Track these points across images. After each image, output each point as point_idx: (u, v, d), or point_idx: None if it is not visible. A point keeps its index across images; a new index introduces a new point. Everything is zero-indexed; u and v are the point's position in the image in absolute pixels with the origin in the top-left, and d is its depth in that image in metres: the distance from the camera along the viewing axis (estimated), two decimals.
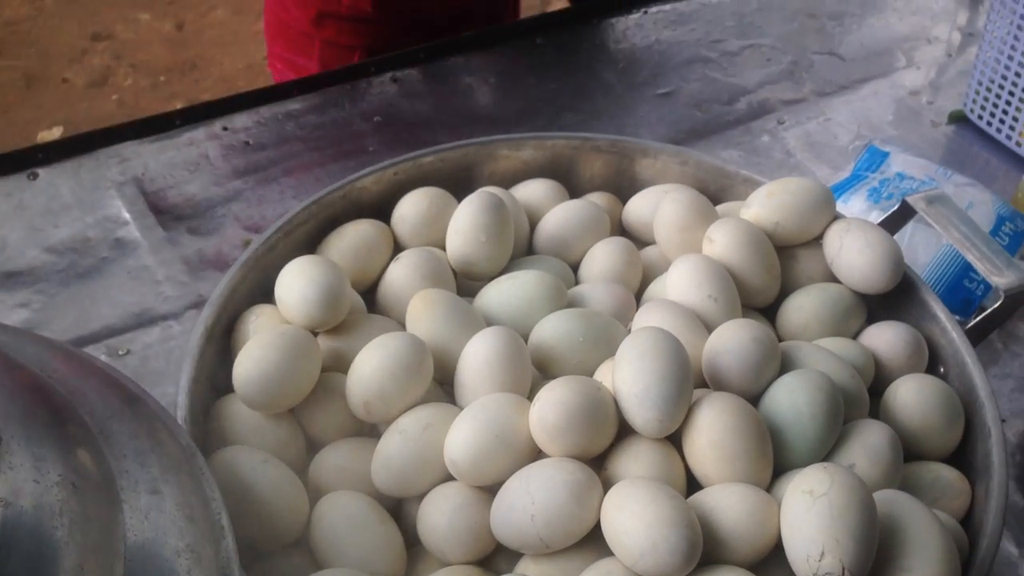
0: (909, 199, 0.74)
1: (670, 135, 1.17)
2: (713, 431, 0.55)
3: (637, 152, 0.82)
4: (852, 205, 1.00)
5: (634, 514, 0.51)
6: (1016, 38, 1.09)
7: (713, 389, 0.60)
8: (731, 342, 0.60)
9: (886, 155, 1.06)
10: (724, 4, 1.39)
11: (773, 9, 1.39)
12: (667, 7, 1.37)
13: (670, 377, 0.56)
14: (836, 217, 0.73)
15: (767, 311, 0.72)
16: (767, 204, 0.72)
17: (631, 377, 0.56)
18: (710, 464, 0.56)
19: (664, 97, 1.23)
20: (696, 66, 1.28)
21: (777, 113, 1.22)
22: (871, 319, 0.72)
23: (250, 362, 0.58)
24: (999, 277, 0.69)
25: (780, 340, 0.68)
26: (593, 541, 0.54)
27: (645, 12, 1.36)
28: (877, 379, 0.67)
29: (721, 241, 0.70)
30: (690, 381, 0.57)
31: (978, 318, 0.69)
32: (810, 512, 0.50)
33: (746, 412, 0.56)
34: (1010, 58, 1.11)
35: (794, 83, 1.27)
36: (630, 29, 1.34)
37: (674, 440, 0.58)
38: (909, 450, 0.63)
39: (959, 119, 1.21)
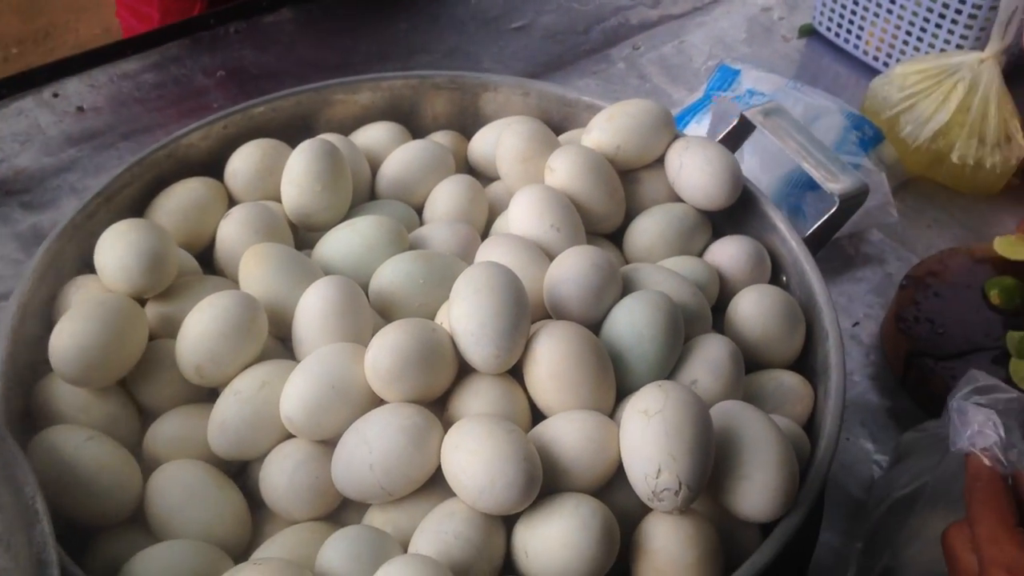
0: (746, 113, 0.74)
1: (527, 69, 1.16)
2: (551, 361, 0.55)
3: (478, 87, 0.80)
4: (705, 124, 1.00)
5: (471, 452, 0.50)
6: None
7: (555, 319, 0.59)
8: (570, 270, 0.60)
9: (737, 73, 1.07)
10: None
11: None
12: None
13: (505, 311, 0.55)
14: (676, 136, 0.72)
15: (617, 236, 0.72)
16: (607, 129, 0.71)
17: (466, 314, 0.55)
18: (551, 394, 0.55)
19: (519, 31, 1.22)
20: None
21: (632, 39, 1.21)
22: (718, 234, 0.72)
23: (66, 336, 0.55)
24: (834, 183, 0.69)
25: (628, 263, 0.68)
26: (440, 484, 0.53)
27: None
28: (723, 293, 0.68)
29: (561, 169, 0.69)
30: (526, 313, 0.56)
31: (815, 225, 0.69)
32: (646, 431, 0.50)
33: (584, 339, 0.56)
34: None
35: (648, 8, 1.27)
36: None
37: (517, 373, 0.57)
38: (753, 360, 0.63)
39: (809, 33, 1.22)
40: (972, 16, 1.03)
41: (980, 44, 1.01)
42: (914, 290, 0.87)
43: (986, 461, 0.55)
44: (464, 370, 0.57)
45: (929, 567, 0.68)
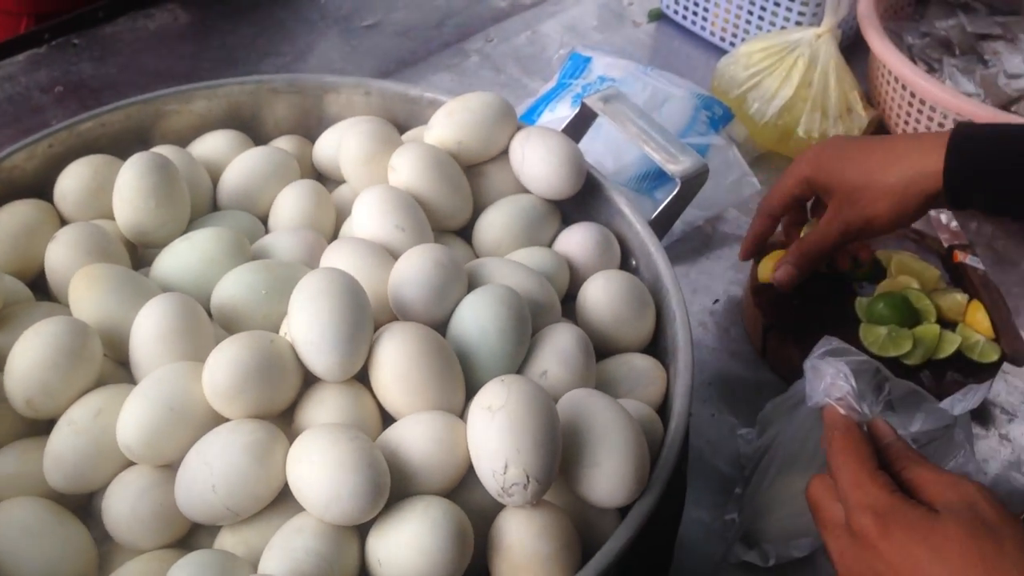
0: (586, 100, 0.75)
1: (380, 67, 1.15)
2: (395, 364, 0.54)
3: (318, 89, 0.79)
4: (558, 113, 1.00)
5: (315, 464, 0.49)
6: None
7: (402, 320, 0.59)
8: (412, 270, 0.59)
9: (588, 60, 1.07)
10: None
11: None
12: None
13: (345, 317, 0.54)
14: (519, 128, 0.72)
15: (467, 231, 0.71)
16: (447, 124, 0.71)
17: (305, 323, 0.54)
18: (398, 397, 0.54)
19: (370, 28, 1.20)
20: None
21: (485, 31, 1.21)
22: (569, 222, 0.72)
23: None
24: (674, 165, 0.70)
25: (479, 258, 0.68)
26: (291, 499, 0.52)
27: None
28: (575, 281, 0.68)
29: (403, 168, 0.68)
30: (368, 318, 0.55)
31: (658, 209, 0.70)
32: (490, 427, 0.50)
33: (427, 339, 0.55)
34: None
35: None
36: None
37: (366, 379, 0.56)
38: (605, 345, 0.64)
39: (658, 17, 1.24)
40: None
41: (817, 20, 1.04)
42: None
43: (841, 410, 0.57)
44: (310, 380, 0.56)
45: (793, 524, 0.70)
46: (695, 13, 1.19)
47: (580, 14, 1.24)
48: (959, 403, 0.62)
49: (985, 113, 0.92)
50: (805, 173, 0.81)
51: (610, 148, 0.95)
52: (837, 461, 0.54)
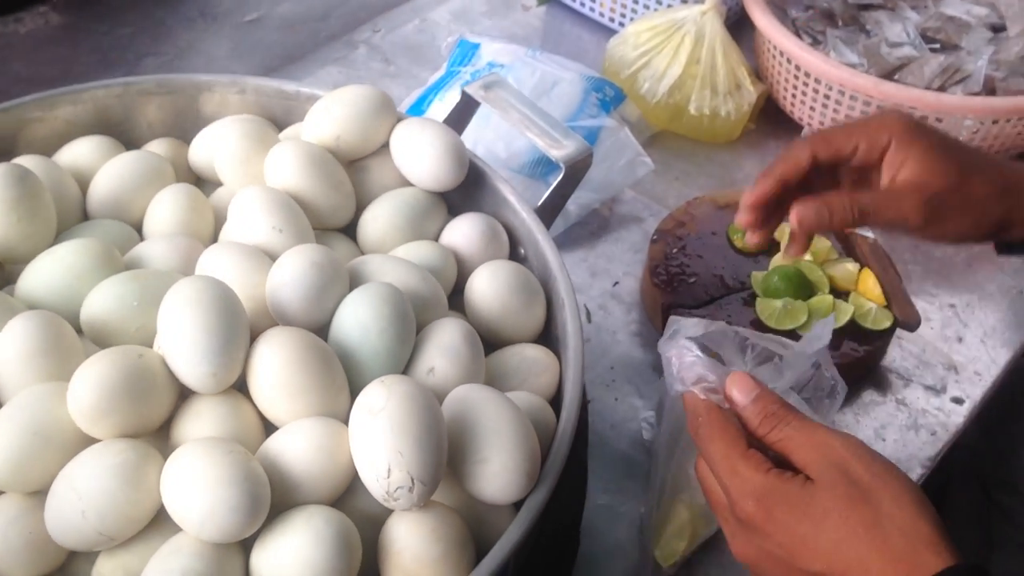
0: (467, 88, 0.73)
1: (265, 63, 1.12)
2: (273, 370, 0.52)
3: (190, 88, 0.76)
4: (448, 102, 0.99)
5: (190, 480, 0.47)
6: None
7: (281, 324, 0.57)
8: (288, 273, 0.57)
9: (476, 47, 1.06)
10: None
11: None
12: None
13: (215, 326, 0.52)
14: (399, 120, 0.70)
15: (352, 228, 0.69)
16: (325, 119, 0.69)
17: (174, 334, 0.52)
18: (278, 404, 0.53)
19: (254, 23, 1.17)
20: None
21: (372, 21, 1.19)
22: (457, 213, 0.71)
23: None
24: (558, 150, 0.69)
25: (362, 255, 0.66)
26: (170, 519, 0.50)
27: None
28: (463, 273, 0.66)
29: (280, 167, 0.66)
30: (242, 325, 0.53)
31: (545, 195, 0.69)
32: (372, 430, 0.48)
33: (305, 343, 0.53)
34: None
35: None
36: None
37: (245, 388, 0.54)
38: (496, 336, 0.63)
39: (548, 0, 1.23)
40: None
41: None
42: (664, 243, 0.89)
43: (700, 395, 0.56)
44: (187, 393, 0.54)
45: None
46: None
47: (469, 0, 1.23)
48: (813, 342, 0.62)
49: (866, 83, 0.93)
50: (886, 137, 0.64)
51: (501, 135, 0.93)
52: (707, 450, 0.53)
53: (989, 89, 0.99)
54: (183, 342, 0.51)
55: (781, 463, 0.52)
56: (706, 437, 0.53)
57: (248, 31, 1.16)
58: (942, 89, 0.99)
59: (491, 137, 0.93)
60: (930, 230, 0.64)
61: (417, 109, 1.00)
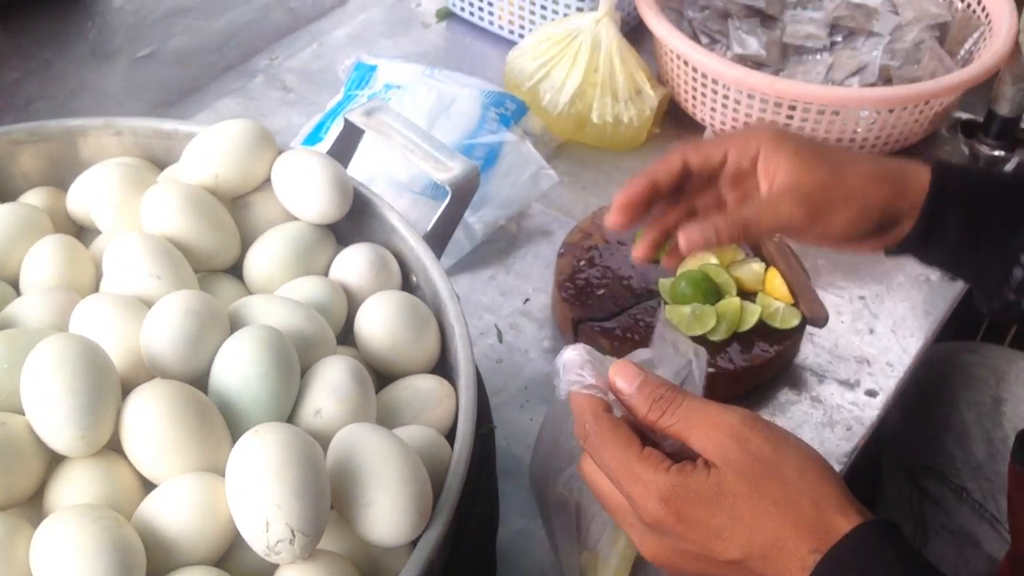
0: (348, 116, 0.71)
1: (160, 98, 1.09)
2: (147, 427, 0.50)
3: (64, 135, 0.73)
4: None
5: (56, 553, 0.45)
6: None
7: (158, 376, 0.54)
8: (161, 322, 0.55)
9: (373, 68, 1.04)
10: None
11: None
12: None
13: (81, 386, 0.49)
14: (279, 153, 0.68)
15: (240, 267, 0.67)
16: (201, 158, 0.67)
17: (37, 398, 0.49)
18: (154, 462, 0.50)
19: (147, 59, 1.14)
20: (175, 18, 1.20)
21: (269, 49, 1.17)
22: (349, 243, 0.69)
23: None
24: (443, 173, 0.68)
25: (249, 295, 0.64)
26: None
27: None
28: (354, 306, 0.65)
29: (157, 211, 0.63)
30: (110, 382, 0.51)
31: (433, 219, 0.68)
32: (247, 483, 0.46)
33: (179, 395, 0.51)
34: None
35: (282, 13, 1.22)
36: None
37: (120, 446, 0.52)
38: (388, 369, 0.61)
39: (447, 16, 1.22)
40: None
41: (596, 5, 1.03)
42: (571, 256, 0.88)
43: (586, 392, 0.53)
44: (59, 457, 0.51)
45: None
46: (482, 9, 1.17)
47: (367, 21, 1.21)
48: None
49: (761, 81, 0.93)
50: (755, 147, 0.65)
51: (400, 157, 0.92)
52: (601, 456, 0.51)
53: (885, 79, 1.00)
54: (47, 405, 0.49)
55: (678, 452, 0.51)
56: (598, 442, 0.52)
57: (141, 67, 1.13)
58: (838, 82, 0.99)
59: (396, 158, 0.91)
60: (819, 226, 0.64)
61: (315, 136, 0.98)
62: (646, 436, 0.53)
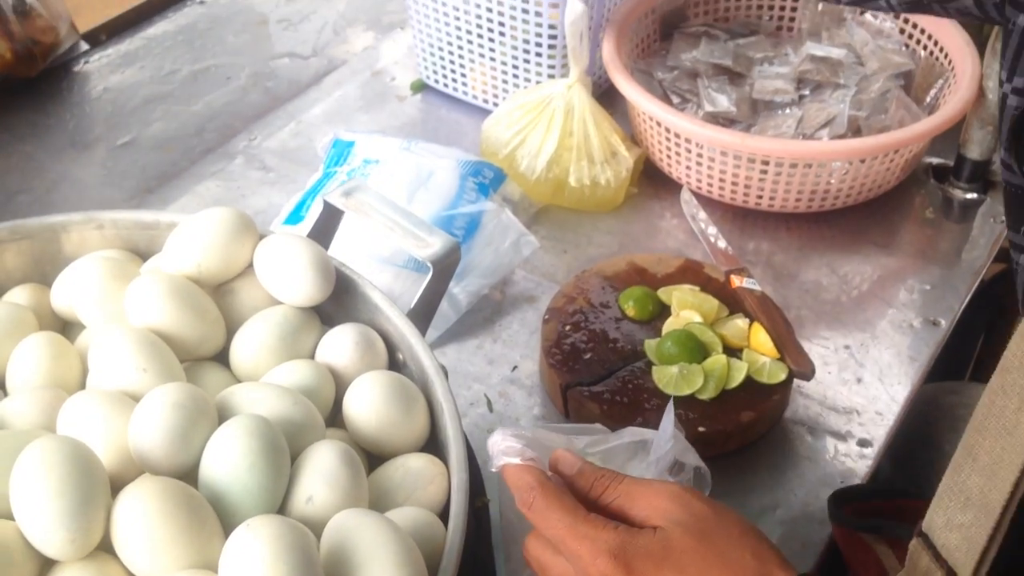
0: (327, 198, 0.72)
1: (139, 185, 1.10)
2: (137, 526, 0.50)
3: (46, 231, 0.73)
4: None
5: None
6: (436, 2, 1.12)
7: (147, 472, 0.54)
8: (149, 417, 0.55)
9: (351, 144, 1.05)
10: (170, 33, 1.33)
11: (222, 25, 1.35)
12: (108, 51, 1.29)
13: (70, 487, 0.49)
14: (261, 238, 0.69)
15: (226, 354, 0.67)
16: (183, 247, 0.67)
17: (25, 503, 0.49)
18: (148, 561, 0.50)
19: (126, 146, 1.15)
20: (154, 104, 1.21)
21: (248, 130, 1.18)
22: (334, 323, 0.69)
23: None
24: (424, 250, 0.68)
25: (236, 383, 0.64)
26: None
27: (86, 62, 1.27)
28: (342, 387, 0.65)
29: (140, 303, 0.64)
30: (99, 483, 0.51)
31: (416, 296, 0.68)
32: None
33: (169, 492, 0.51)
34: (437, 20, 1.14)
35: (259, 94, 1.24)
36: (73, 83, 1.24)
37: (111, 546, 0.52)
38: (378, 450, 0.61)
39: (421, 88, 1.24)
40: (552, 47, 1.07)
41: (567, 71, 1.05)
42: (556, 322, 0.89)
43: (519, 461, 0.56)
44: (51, 561, 0.51)
45: None
46: (455, 79, 1.19)
47: (343, 97, 1.23)
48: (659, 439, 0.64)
49: (733, 139, 0.95)
50: None
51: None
52: (547, 521, 0.53)
53: (854, 129, 1.01)
54: (36, 510, 0.49)
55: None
56: (542, 508, 0.53)
57: (121, 155, 1.14)
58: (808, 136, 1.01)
59: (370, 235, 0.92)
60: None
61: (296, 215, 0.99)
62: (590, 505, 0.55)
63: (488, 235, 0.96)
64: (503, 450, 0.58)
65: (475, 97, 1.19)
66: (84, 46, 1.26)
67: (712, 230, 0.99)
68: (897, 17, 1.12)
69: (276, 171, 1.12)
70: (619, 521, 0.53)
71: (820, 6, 1.14)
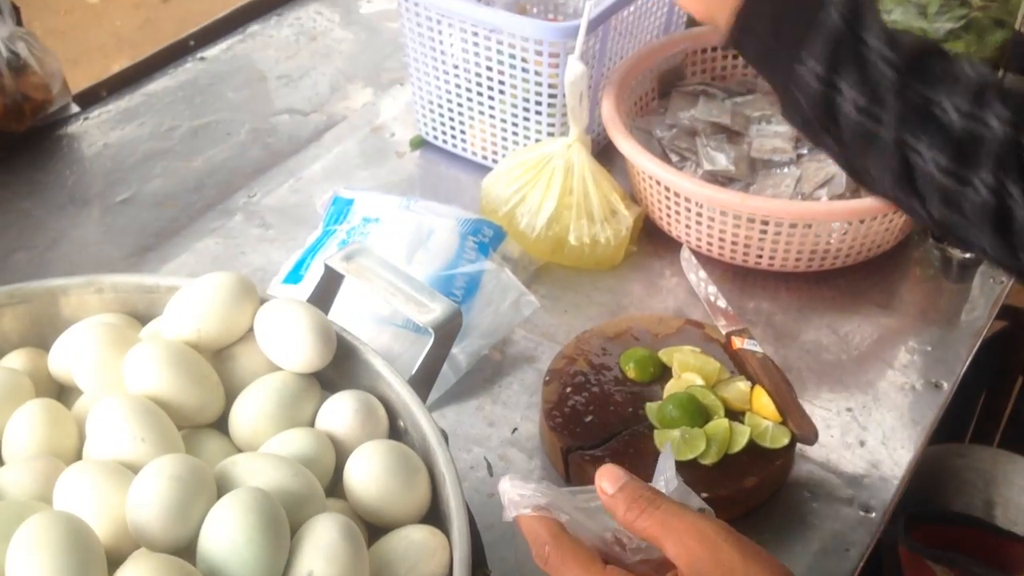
0: (329, 262, 0.72)
1: (138, 242, 1.10)
2: None
3: (45, 295, 0.73)
4: None
5: None
6: (435, 58, 1.13)
7: (144, 547, 0.53)
8: (145, 491, 0.54)
9: (350, 202, 1.05)
10: (170, 89, 1.33)
11: (223, 82, 1.35)
12: (109, 107, 1.29)
13: (64, 566, 0.48)
14: (261, 302, 0.69)
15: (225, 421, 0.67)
16: (183, 314, 0.67)
17: None
18: None
19: (125, 203, 1.15)
20: (154, 161, 1.21)
21: (247, 187, 1.18)
22: (335, 389, 0.69)
23: None
24: (425, 315, 0.68)
25: (237, 451, 0.64)
26: None
27: (85, 119, 1.27)
28: (343, 456, 0.64)
29: (138, 371, 0.63)
30: (96, 560, 0.50)
31: (417, 362, 0.68)
32: None
33: (164, 569, 0.50)
34: (437, 77, 1.14)
35: (259, 150, 1.24)
36: (72, 140, 1.24)
37: None
38: (379, 521, 0.60)
39: (420, 144, 1.24)
40: (551, 105, 1.07)
41: (566, 129, 1.05)
42: (557, 384, 0.88)
43: (531, 511, 0.54)
44: None
45: None
46: (454, 136, 1.19)
47: (342, 153, 1.23)
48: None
49: (733, 199, 0.95)
50: None
51: None
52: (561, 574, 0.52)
53: (853, 189, 1.01)
54: None
55: (641, 563, 0.52)
56: (558, 564, 0.52)
57: (120, 212, 1.14)
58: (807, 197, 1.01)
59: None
60: None
61: (295, 274, 0.99)
62: (607, 557, 0.53)
63: (488, 295, 0.95)
64: (515, 500, 0.56)
65: (474, 154, 1.19)
66: (74, 108, 1.25)
67: (712, 289, 0.98)
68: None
69: (275, 228, 1.12)
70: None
71: None
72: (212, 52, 1.40)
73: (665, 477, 0.59)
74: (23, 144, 1.20)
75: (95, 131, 1.25)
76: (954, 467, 0.92)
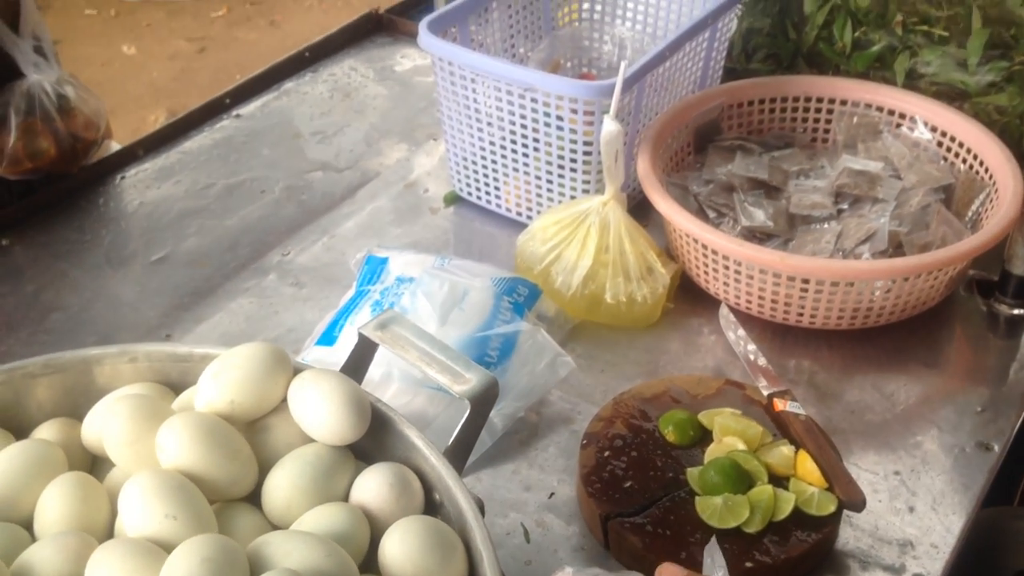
0: (362, 330, 0.71)
1: (172, 302, 1.10)
2: None
3: (79, 364, 0.73)
4: (360, 324, 0.96)
5: None
6: (468, 115, 1.13)
7: None
8: (178, 571, 0.53)
9: (385, 261, 1.05)
10: (205, 147, 1.34)
11: (258, 139, 1.36)
12: (145, 166, 1.30)
13: None
14: (295, 372, 0.68)
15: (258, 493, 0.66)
16: (216, 385, 0.66)
17: None
18: None
19: (159, 263, 1.15)
20: (189, 219, 1.22)
21: (281, 245, 1.18)
22: (370, 460, 0.67)
23: None
24: (461, 385, 0.67)
25: (269, 528, 0.63)
26: None
27: (122, 177, 1.28)
28: (377, 530, 0.63)
29: (171, 445, 0.62)
30: None
31: (453, 436, 0.66)
32: None
33: None
34: (471, 134, 1.14)
35: (293, 207, 1.24)
36: (110, 199, 1.25)
37: None
38: None
39: (454, 200, 1.23)
40: (586, 163, 1.07)
41: (602, 187, 1.04)
42: (595, 448, 0.86)
43: None
44: None
45: None
46: (488, 192, 1.19)
47: (376, 210, 1.23)
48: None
49: (772, 258, 0.93)
50: None
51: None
52: None
53: (895, 244, 0.99)
54: None
55: None
56: None
57: (155, 271, 1.14)
58: (849, 254, 0.99)
59: None
60: None
61: (329, 335, 0.98)
62: None
63: (524, 356, 0.94)
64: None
65: (508, 210, 1.18)
66: (115, 145, 1.29)
67: (751, 347, 0.97)
68: (934, 130, 1.11)
69: (309, 287, 1.11)
70: None
71: (855, 118, 1.13)
72: (248, 109, 1.41)
73: None
74: (74, 193, 1.23)
75: (131, 190, 1.26)
76: (1012, 529, 0.89)
